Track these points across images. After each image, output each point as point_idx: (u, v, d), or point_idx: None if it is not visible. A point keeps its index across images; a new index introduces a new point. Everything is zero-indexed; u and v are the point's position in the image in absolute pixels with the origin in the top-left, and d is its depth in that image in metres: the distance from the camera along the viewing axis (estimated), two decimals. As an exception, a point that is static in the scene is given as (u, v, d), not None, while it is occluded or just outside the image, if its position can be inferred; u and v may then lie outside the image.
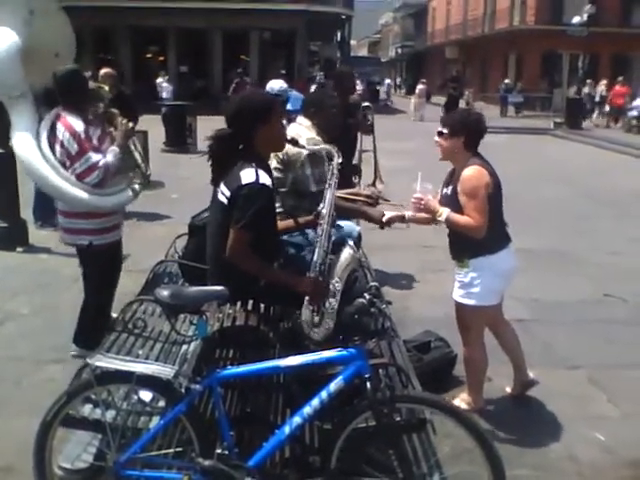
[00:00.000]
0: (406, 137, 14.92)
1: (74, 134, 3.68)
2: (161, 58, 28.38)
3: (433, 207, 3.30)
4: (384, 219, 3.43)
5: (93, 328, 3.80)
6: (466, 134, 3.31)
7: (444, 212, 3.26)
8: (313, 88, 25.04)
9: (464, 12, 40.80)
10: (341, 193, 3.58)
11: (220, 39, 28.39)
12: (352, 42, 42.49)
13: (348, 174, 5.35)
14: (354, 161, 5.52)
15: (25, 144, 3.89)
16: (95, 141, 3.81)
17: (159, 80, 22.54)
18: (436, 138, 3.39)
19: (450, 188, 3.37)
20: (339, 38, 34.96)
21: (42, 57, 4.13)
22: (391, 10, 62.91)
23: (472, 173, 3.24)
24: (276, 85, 6.87)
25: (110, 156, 3.77)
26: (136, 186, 4.09)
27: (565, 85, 28.08)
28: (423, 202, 3.31)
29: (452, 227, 3.32)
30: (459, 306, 3.46)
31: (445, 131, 3.33)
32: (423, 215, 3.41)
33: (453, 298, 3.47)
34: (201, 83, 27.47)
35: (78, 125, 3.71)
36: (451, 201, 3.31)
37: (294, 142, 2.99)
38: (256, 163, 2.65)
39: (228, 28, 27.69)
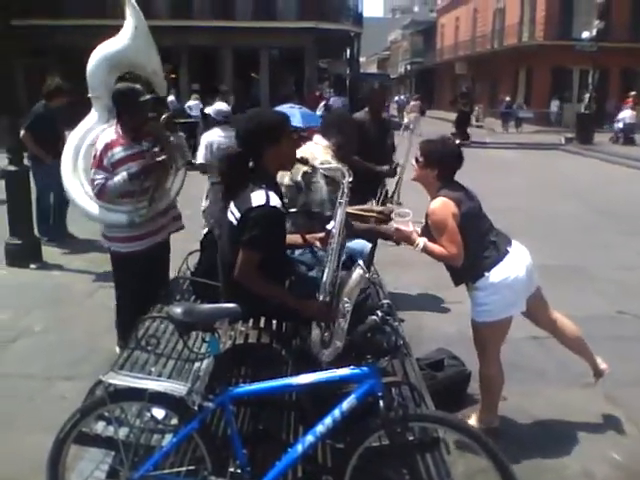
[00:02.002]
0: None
1: (98, 147, 3.96)
2: (173, 76, 28.67)
3: (409, 238, 3.30)
4: (396, 237, 3.44)
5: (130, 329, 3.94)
6: (439, 167, 3.33)
7: (420, 242, 3.27)
8: (332, 101, 25.27)
9: (473, 28, 40.99)
10: (353, 209, 3.59)
11: (231, 57, 28.68)
12: (361, 59, 42.83)
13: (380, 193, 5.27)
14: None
15: (71, 138, 4.46)
16: (111, 160, 3.91)
17: (170, 98, 22.69)
18: (412, 162, 3.44)
19: (425, 223, 3.40)
20: (348, 55, 35.21)
21: (134, 69, 4.52)
22: (400, 27, 63.34)
23: (437, 206, 3.26)
24: (224, 107, 6.38)
25: (116, 178, 3.89)
26: (136, 218, 4.05)
27: (575, 100, 28.11)
28: (399, 234, 3.33)
29: (430, 255, 3.32)
30: (474, 324, 3.44)
31: (420, 160, 3.36)
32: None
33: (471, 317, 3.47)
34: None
35: (105, 139, 3.97)
36: (429, 231, 3.33)
37: (304, 161, 3.01)
38: (266, 183, 2.67)
39: (238, 46, 27.99)
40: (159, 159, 3.98)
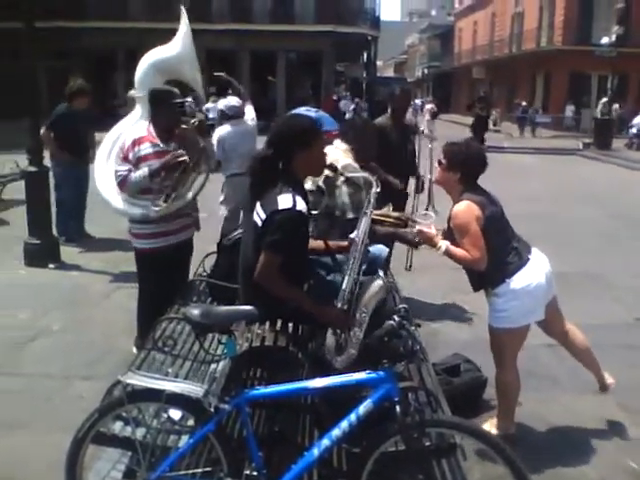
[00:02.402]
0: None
1: (127, 140, 4.09)
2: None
3: (432, 241, 3.30)
4: (418, 239, 3.46)
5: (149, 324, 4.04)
6: (463, 170, 3.31)
7: (443, 245, 3.26)
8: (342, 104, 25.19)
9: (491, 32, 40.83)
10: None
11: (248, 60, 28.80)
12: (378, 62, 42.83)
13: (403, 197, 5.25)
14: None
15: (112, 131, 4.55)
16: (136, 155, 4.01)
17: (189, 101, 22.76)
18: (435, 165, 3.42)
19: (447, 227, 3.38)
20: (365, 58, 35.22)
21: (177, 76, 4.62)
22: (417, 31, 63.23)
23: (460, 209, 3.24)
24: (235, 102, 6.30)
25: (138, 172, 3.97)
26: (151, 214, 4.08)
27: (593, 106, 27.88)
28: (421, 236, 3.32)
29: (452, 259, 3.30)
30: (492, 330, 3.42)
31: (444, 162, 3.35)
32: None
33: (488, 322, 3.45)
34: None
35: (135, 134, 4.10)
36: (452, 234, 3.31)
37: (333, 168, 3.01)
38: (293, 187, 2.67)
39: (256, 49, 28.10)
40: (180, 159, 4.01)
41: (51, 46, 21.27)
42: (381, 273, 2.66)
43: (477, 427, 2.49)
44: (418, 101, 41.94)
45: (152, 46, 4.67)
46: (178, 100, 4.20)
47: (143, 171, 3.96)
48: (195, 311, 2.36)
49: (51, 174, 6.87)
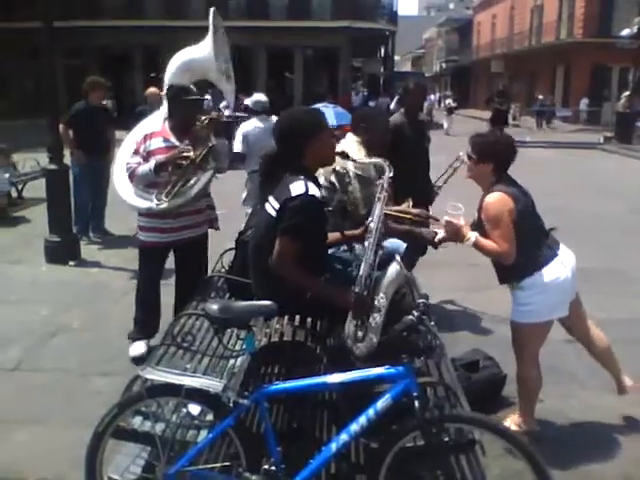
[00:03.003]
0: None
1: (141, 133, 4.18)
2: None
3: (460, 232, 3.25)
4: (437, 239, 3.42)
5: (135, 318, 4.40)
6: (495, 160, 3.26)
7: (472, 237, 3.22)
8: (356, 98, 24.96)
9: (510, 26, 40.43)
10: (389, 210, 3.57)
11: (265, 56, 28.81)
12: (396, 57, 42.61)
13: (420, 198, 5.05)
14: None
15: (140, 125, 4.54)
16: (147, 149, 4.06)
17: (207, 98, 22.85)
18: (465, 160, 3.37)
19: (477, 217, 3.34)
20: (382, 53, 35.09)
21: (205, 76, 4.60)
22: (435, 25, 62.82)
23: (493, 200, 3.19)
24: (262, 98, 6.44)
25: (145, 165, 3.99)
26: (153, 207, 4.05)
27: (615, 99, 27.51)
28: (449, 227, 3.28)
29: (480, 251, 3.26)
30: (515, 325, 3.39)
31: (474, 156, 3.30)
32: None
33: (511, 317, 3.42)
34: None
35: (149, 128, 4.18)
36: (480, 226, 3.27)
37: (345, 155, 3.01)
38: (305, 176, 2.67)
39: (273, 45, 28.12)
40: (185, 154, 3.97)
41: (68, 45, 21.49)
42: (398, 257, 2.64)
43: (496, 423, 2.46)
44: (433, 96, 41.65)
45: (169, 44, 4.70)
46: (194, 97, 4.17)
47: (149, 164, 3.98)
48: (214, 306, 2.36)
49: (70, 172, 6.93)
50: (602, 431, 3.59)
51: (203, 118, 4.13)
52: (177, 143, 4.06)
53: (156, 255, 4.31)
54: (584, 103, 28.96)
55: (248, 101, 6.54)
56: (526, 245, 3.19)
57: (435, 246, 3.49)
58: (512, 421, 3.46)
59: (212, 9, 4.60)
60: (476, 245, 3.22)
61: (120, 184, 4.30)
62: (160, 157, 3.97)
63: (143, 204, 4.12)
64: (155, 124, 4.21)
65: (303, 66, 29.79)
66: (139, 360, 4.03)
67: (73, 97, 7.77)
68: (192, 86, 4.30)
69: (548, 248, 3.29)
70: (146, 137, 4.08)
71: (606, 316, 5.23)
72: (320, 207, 2.73)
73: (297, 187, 2.62)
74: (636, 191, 12.03)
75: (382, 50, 35.20)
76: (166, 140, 4.07)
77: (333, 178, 3.52)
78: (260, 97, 6.37)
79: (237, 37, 26.26)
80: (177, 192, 4.03)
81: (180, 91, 4.14)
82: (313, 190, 2.64)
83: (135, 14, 27.05)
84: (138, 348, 4.32)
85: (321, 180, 3.42)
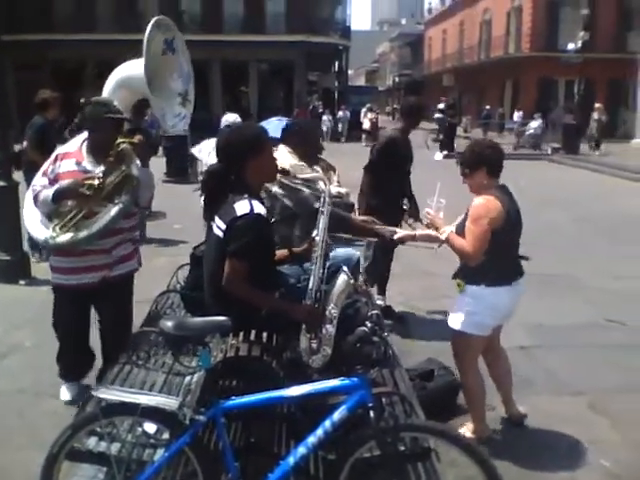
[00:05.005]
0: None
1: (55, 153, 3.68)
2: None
3: (437, 223, 3.36)
4: (395, 237, 3.57)
5: (57, 358, 4.06)
6: (486, 164, 3.32)
7: (447, 230, 3.32)
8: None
9: (460, 40, 41.37)
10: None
11: (220, 71, 28.77)
12: (350, 71, 42.97)
13: (395, 212, 4.97)
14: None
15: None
16: (55, 171, 3.54)
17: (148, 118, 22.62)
18: (463, 180, 3.42)
19: (464, 216, 3.40)
20: (337, 68, 35.38)
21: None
22: (387, 40, 63.81)
23: (485, 202, 3.25)
24: (230, 118, 6.76)
25: (48, 190, 3.45)
26: (49, 240, 3.48)
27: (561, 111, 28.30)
28: (430, 216, 3.39)
29: (450, 247, 3.35)
30: (452, 332, 3.46)
31: (467, 171, 3.36)
32: (431, 233, 3.48)
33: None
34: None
35: (63, 148, 3.69)
36: (461, 227, 3.35)
37: (285, 172, 3.06)
38: (248, 194, 2.70)
39: (228, 59, 28.09)
40: (89, 182, 3.36)
41: (19, 59, 21.06)
42: (345, 268, 2.69)
43: (450, 431, 2.51)
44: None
45: (122, 58, 4.60)
46: (115, 115, 3.53)
47: (51, 190, 3.42)
48: (169, 323, 2.35)
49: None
50: (553, 436, 3.68)
51: (119, 141, 3.42)
52: (90, 168, 3.49)
53: (65, 300, 3.76)
54: (538, 124, 28.02)
55: (223, 120, 6.75)
56: (495, 256, 3.24)
57: (391, 242, 3.58)
58: (467, 428, 3.53)
59: (154, 19, 4.29)
60: (448, 240, 3.31)
61: (28, 207, 3.72)
62: (64, 183, 3.41)
63: (42, 235, 3.56)
64: (73, 144, 3.66)
65: (258, 80, 29.85)
66: (73, 402, 3.76)
67: (23, 111, 7.62)
68: (115, 102, 3.71)
69: (510, 272, 3.36)
70: (57, 158, 3.55)
71: (553, 322, 5.41)
72: (266, 224, 2.77)
73: (242, 206, 2.65)
74: (582, 200, 12.43)
75: (336, 64, 35.54)
76: (78, 163, 3.50)
77: (277, 188, 3.55)
78: (234, 117, 6.51)
79: (192, 51, 26.27)
80: (76, 225, 3.41)
81: (99, 107, 3.57)
82: (258, 208, 2.67)
83: (87, 27, 26.71)
84: (65, 394, 3.95)
85: (275, 188, 3.48)
